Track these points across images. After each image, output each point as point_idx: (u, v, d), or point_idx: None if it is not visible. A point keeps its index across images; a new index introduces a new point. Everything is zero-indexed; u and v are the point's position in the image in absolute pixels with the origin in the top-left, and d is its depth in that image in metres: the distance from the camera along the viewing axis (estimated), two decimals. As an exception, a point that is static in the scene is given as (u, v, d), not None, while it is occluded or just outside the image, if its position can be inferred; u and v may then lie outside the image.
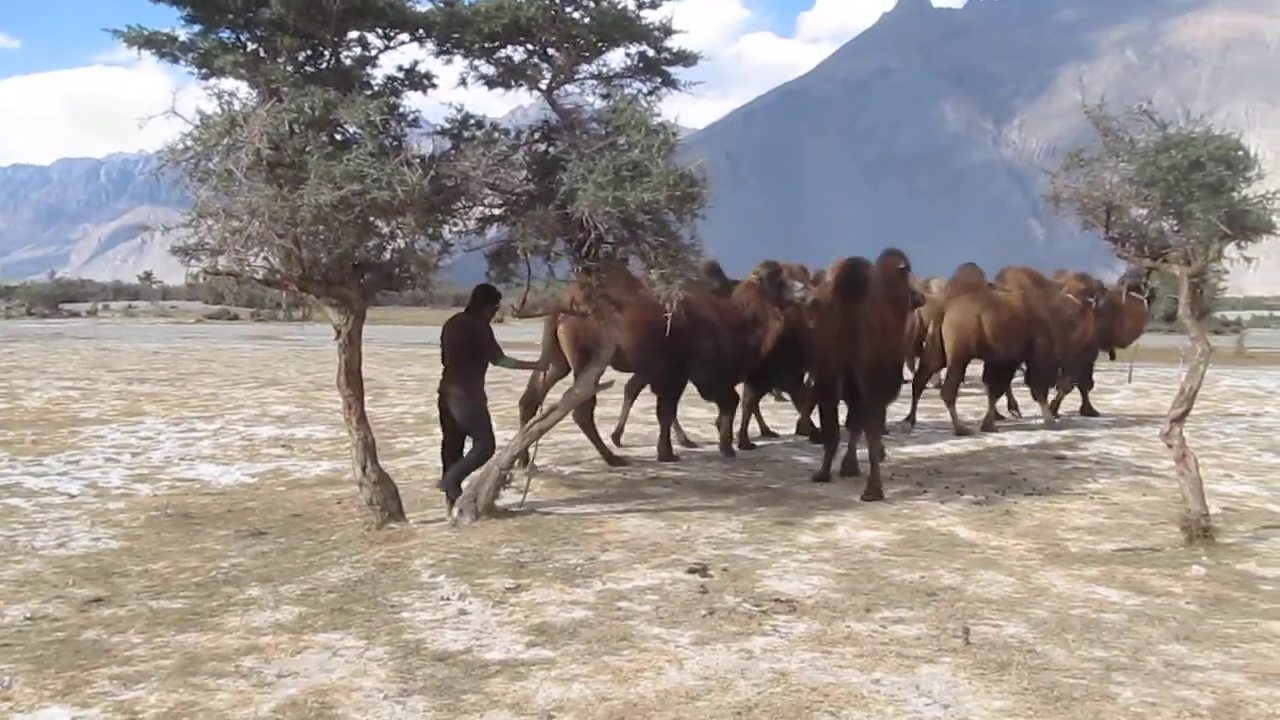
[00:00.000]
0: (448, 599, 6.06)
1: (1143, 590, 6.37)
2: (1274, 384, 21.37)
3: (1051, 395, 15.01)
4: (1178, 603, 6.14)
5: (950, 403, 13.75)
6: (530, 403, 10.65)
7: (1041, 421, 14.32)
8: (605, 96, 7.79)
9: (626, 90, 7.88)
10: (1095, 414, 15.71)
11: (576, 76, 7.95)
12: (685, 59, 7.88)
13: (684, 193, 6.99)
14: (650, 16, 7.66)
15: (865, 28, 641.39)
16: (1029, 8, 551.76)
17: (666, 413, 11.44)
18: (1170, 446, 7.43)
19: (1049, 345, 14.14)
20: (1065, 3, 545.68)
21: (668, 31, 7.68)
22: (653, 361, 10.87)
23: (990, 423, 13.99)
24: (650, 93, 7.90)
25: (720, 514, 8.41)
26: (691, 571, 6.63)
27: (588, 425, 10.90)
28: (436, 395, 8.84)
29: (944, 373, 14.50)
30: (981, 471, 10.63)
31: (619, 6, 7.54)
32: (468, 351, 8.48)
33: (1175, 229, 7.00)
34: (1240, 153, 6.61)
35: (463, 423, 8.45)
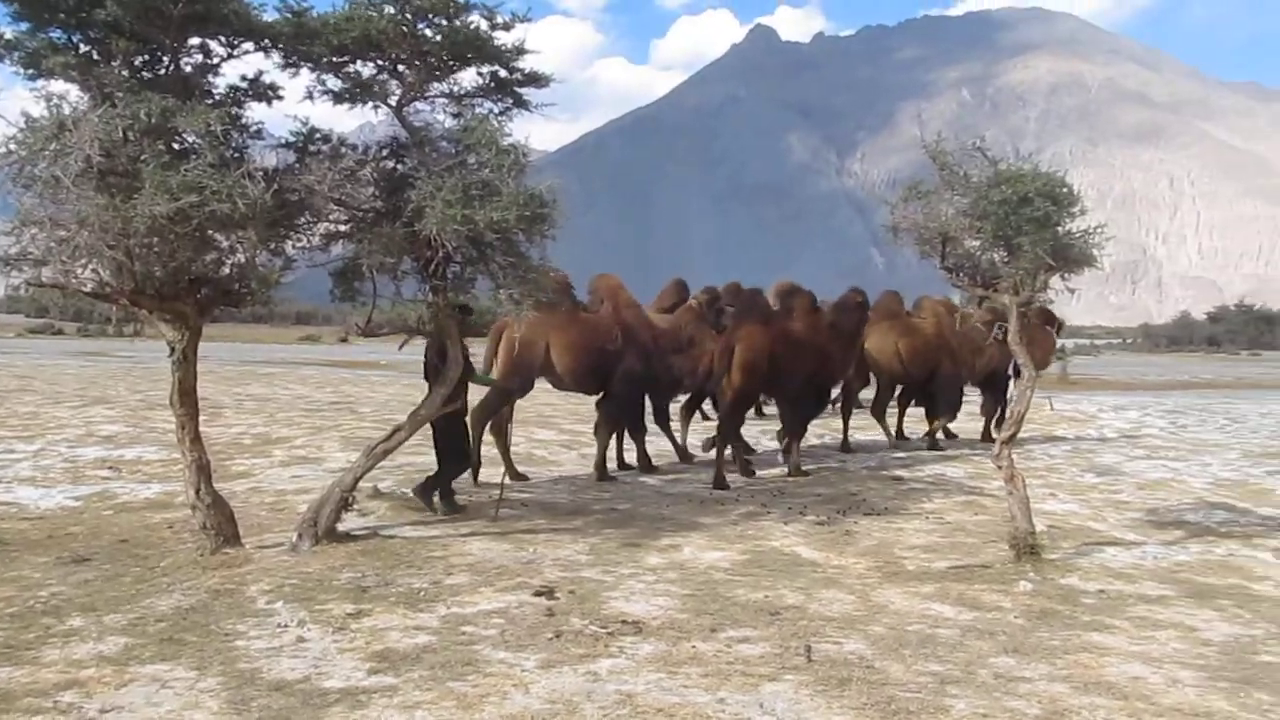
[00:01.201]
0: (285, 626, 5.86)
1: (975, 606, 6.62)
2: (1094, 408, 22.52)
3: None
4: (1007, 617, 6.40)
5: (880, 419, 15.14)
6: (496, 424, 11.30)
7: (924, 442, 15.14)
8: (456, 115, 7.72)
9: (478, 109, 7.83)
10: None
11: (427, 94, 7.86)
12: (537, 80, 7.87)
13: (534, 213, 6.97)
14: (503, 37, 7.63)
15: (715, 57, 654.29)
16: (871, 46, 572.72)
17: (604, 433, 11.83)
18: (1000, 468, 7.76)
19: (955, 370, 15.09)
20: (905, 42, 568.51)
21: (520, 52, 7.66)
22: (589, 382, 11.48)
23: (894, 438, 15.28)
24: (502, 113, 7.86)
25: (567, 536, 8.39)
26: (538, 594, 6.59)
27: (499, 436, 11.33)
28: None
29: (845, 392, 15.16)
30: (823, 493, 10.89)
31: (472, 26, 7.49)
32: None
33: (1005, 260, 7.34)
34: (1065, 189, 6.99)
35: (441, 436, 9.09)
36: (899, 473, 12.56)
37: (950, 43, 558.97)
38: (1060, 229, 6.98)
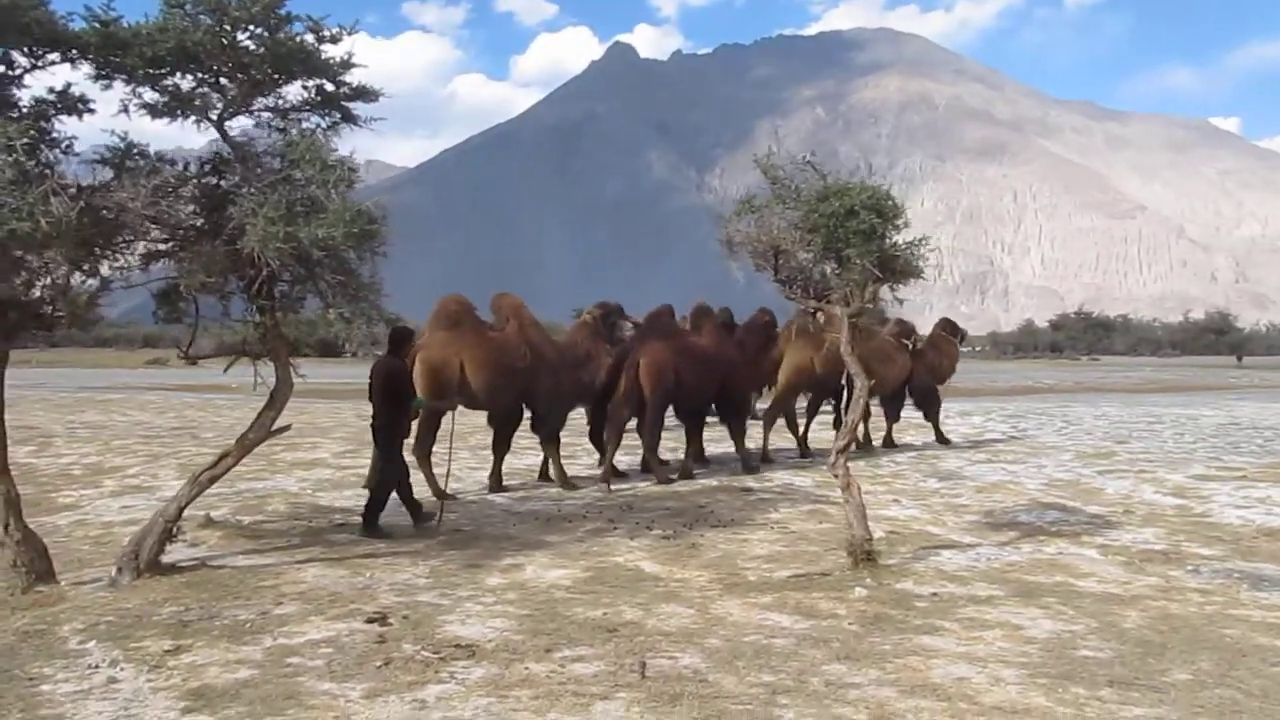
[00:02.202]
0: (96, 666, 5.55)
1: (811, 614, 6.69)
2: (941, 414, 23.19)
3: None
4: (841, 624, 6.48)
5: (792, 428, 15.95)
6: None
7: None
8: (281, 130, 7.47)
9: (305, 124, 7.60)
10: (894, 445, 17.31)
11: (251, 108, 7.59)
12: (366, 95, 7.69)
13: (362, 230, 6.78)
14: (330, 50, 7.44)
15: (575, 74, 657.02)
16: (728, 64, 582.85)
17: (552, 449, 12.49)
18: (836, 476, 7.88)
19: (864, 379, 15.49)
20: (761, 61, 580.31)
21: (347, 66, 7.47)
22: (501, 398, 11.76)
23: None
24: (329, 127, 7.65)
25: (406, 559, 8.20)
26: (370, 621, 6.41)
27: (422, 461, 11.38)
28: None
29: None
30: (672, 506, 10.92)
31: (296, 39, 7.27)
32: (383, 393, 9.25)
33: (836, 272, 7.48)
34: (890, 202, 7.16)
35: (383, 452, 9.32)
36: (749, 484, 12.70)
37: (804, 62, 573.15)
38: (886, 241, 7.14)
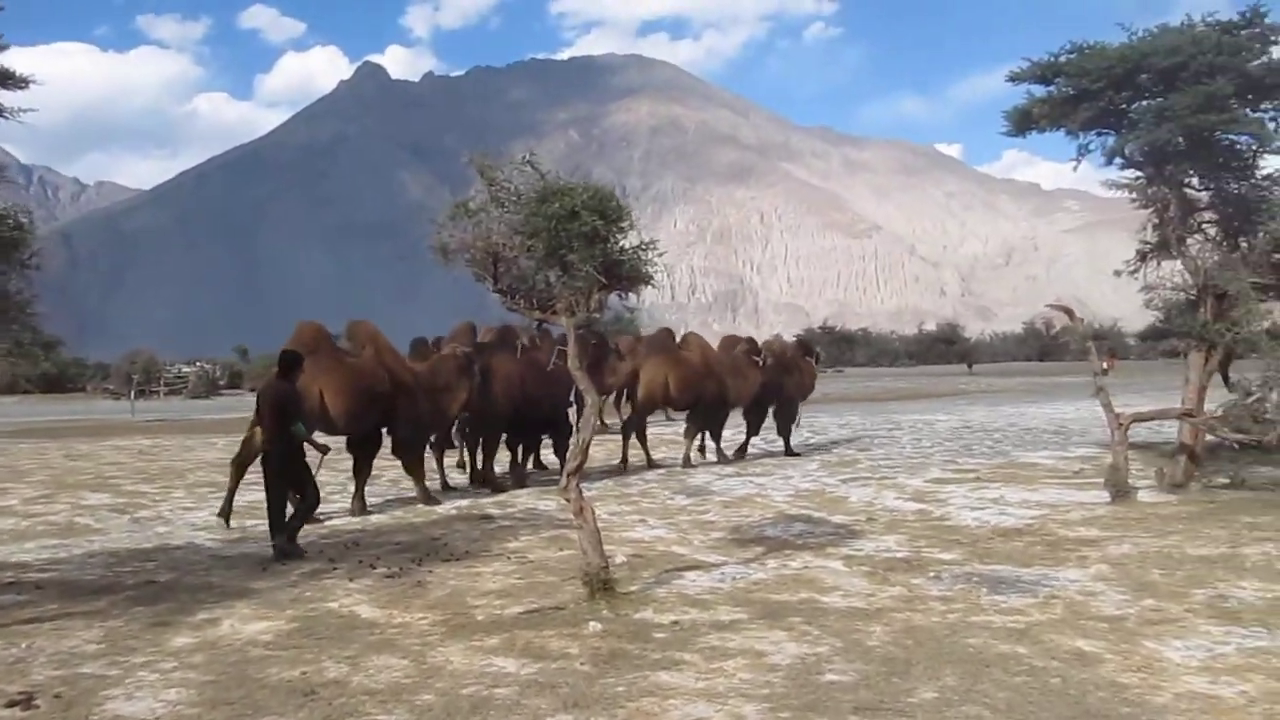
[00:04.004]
0: None
1: (540, 655, 6.05)
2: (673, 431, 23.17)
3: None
4: (573, 665, 5.88)
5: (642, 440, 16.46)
6: (242, 464, 11.34)
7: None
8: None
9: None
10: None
11: None
12: (10, 80, 6.59)
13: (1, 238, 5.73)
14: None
15: (323, 94, 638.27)
16: (481, 86, 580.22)
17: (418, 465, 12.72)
18: (568, 500, 7.28)
19: (721, 393, 16.61)
20: (514, 84, 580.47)
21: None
22: (361, 424, 11.86)
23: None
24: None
25: (80, 621, 7.05)
26: (11, 705, 5.32)
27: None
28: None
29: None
30: (404, 540, 10.09)
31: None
32: (275, 418, 9.32)
33: (560, 279, 6.90)
34: (614, 204, 6.64)
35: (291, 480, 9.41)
36: (490, 510, 12.00)
37: (558, 85, 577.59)
38: (610, 245, 6.62)
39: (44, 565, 9.19)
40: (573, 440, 7.47)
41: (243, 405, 43.82)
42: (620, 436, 16.87)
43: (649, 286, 7.01)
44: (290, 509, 9.57)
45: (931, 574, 8.19)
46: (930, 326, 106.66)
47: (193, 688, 5.57)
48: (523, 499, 12.97)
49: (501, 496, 13.24)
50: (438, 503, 12.56)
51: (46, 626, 6.93)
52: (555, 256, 6.64)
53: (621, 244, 6.69)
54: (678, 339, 17.68)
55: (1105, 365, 55.40)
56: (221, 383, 62.92)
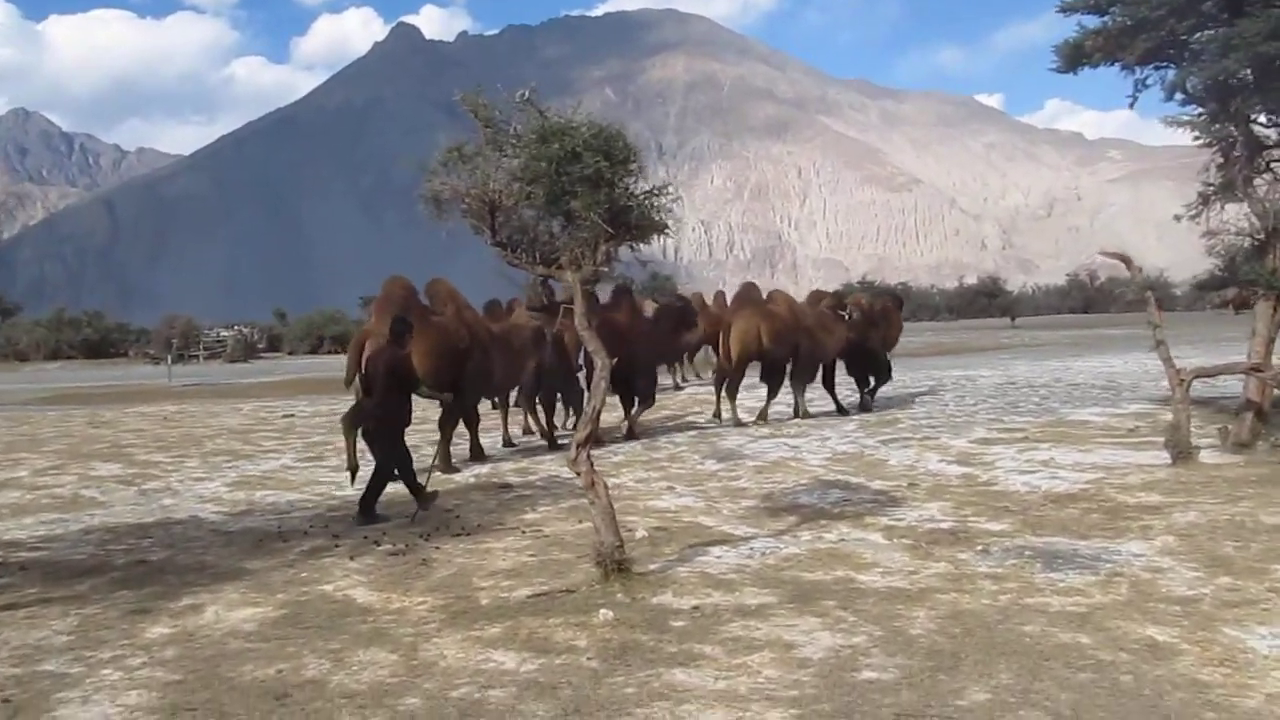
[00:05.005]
0: None
1: (544, 649, 5.44)
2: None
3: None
4: (579, 660, 5.26)
5: (732, 398, 16.25)
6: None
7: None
8: None
9: None
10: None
11: None
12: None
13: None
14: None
15: (358, 56, 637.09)
16: (515, 45, 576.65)
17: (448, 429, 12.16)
18: (578, 474, 6.64)
19: (813, 348, 16.67)
20: (548, 41, 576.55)
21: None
22: (443, 381, 11.49)
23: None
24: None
25: (58, 608, 6.54)
26: (-48, 710, 4.80)
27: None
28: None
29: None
30: (414, 512, 9.51)
31: None
32: (386, 383, 9.24)
33: (565, 229, 6.23)
34: (621, 143, 5.93)
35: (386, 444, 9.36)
36: (510, 479, 11.43)
37: (592, 42, 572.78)
38: (616, 190, 5.92)
39: (36, 543, 8.71)
40: (584, 407, 6.81)
41: (279, 368, 43.64)
42: (713, 391, 17.29)
43: (672, 236, 6.30)
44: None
45: (979, 547, 7.50)
46: (971, 280, 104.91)
47: (156, 689, 5.01)
48: (545, 465, 12.39)
49: (524, 463, 12.67)
50: (456, 470, 12.08)
51: (20, 615, 6.42)
52: (558, 204, 5.96)
53: (630, 188, 5.99)
54: (728, 297, 18.22)
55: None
56: (260, 346, 62.98)
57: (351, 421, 10.58)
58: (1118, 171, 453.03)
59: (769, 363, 16.64)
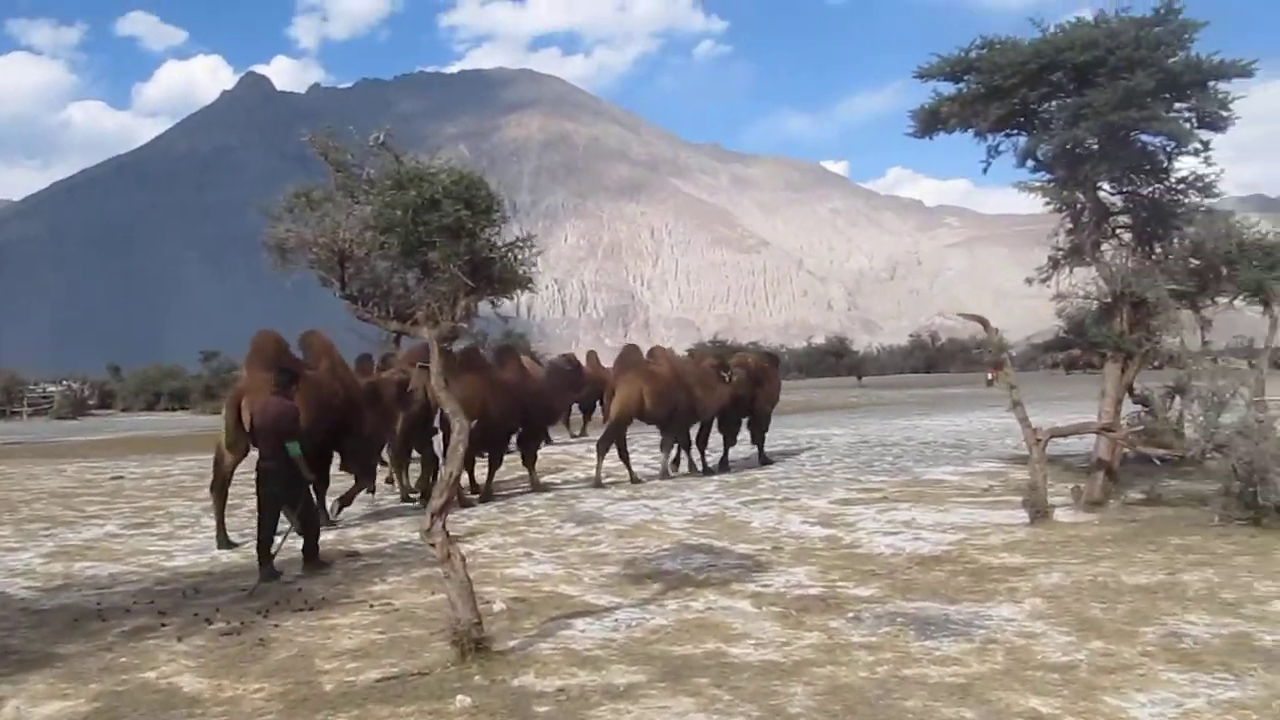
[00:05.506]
0: None
1: (395, 742, 4.94)
2: (583, 449, 22.13)
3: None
4: (434, 755, 4.78)
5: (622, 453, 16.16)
6: (221, 488, 11.02)
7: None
8: None
9: None
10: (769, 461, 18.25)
11: None
12: None
13: None
14: None
15: (205, 104, 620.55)
16: (369, 99, 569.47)
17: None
18: (433, 545, 6.16)
19: (692, 406, 16.64)
20: (403, 96, 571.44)
21: None
22: (316, 436, 11.05)
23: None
24: None
25: None
26: None
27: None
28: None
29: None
30: (250, 585, 8.81)
31: None
32: (276, 436, 9.11)
33: (421, 282, 5.80)
34: (483, 192, 5.56)
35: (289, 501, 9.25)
36: (359, 546, 10.78)
37: (447, 99, 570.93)
38: (477, 240, 5.53)
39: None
40: (440, 473, 6.35)
41: (111, 425, 41.33)
42: (594, 452, 16.78)
43: (532, 292, 5.94)
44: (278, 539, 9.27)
45: (851, 614, 7.29)
46: (818, 340, 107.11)
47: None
48: (396, 530, 11.76)
49: (372, 528, 12.01)
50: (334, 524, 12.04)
51: None
52: (414, 255, 5.54)
53: (492, 239, 5.62)
54: (586, 357, 19.27)
55: (991, 376, 55.96)
56: (91, 402, 59.68)
57: (218, 487, 10.95)
58: (955, 237, 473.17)
59: (653, 422, 16.80)
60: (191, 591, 8.62)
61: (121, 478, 18.69)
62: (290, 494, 9.23)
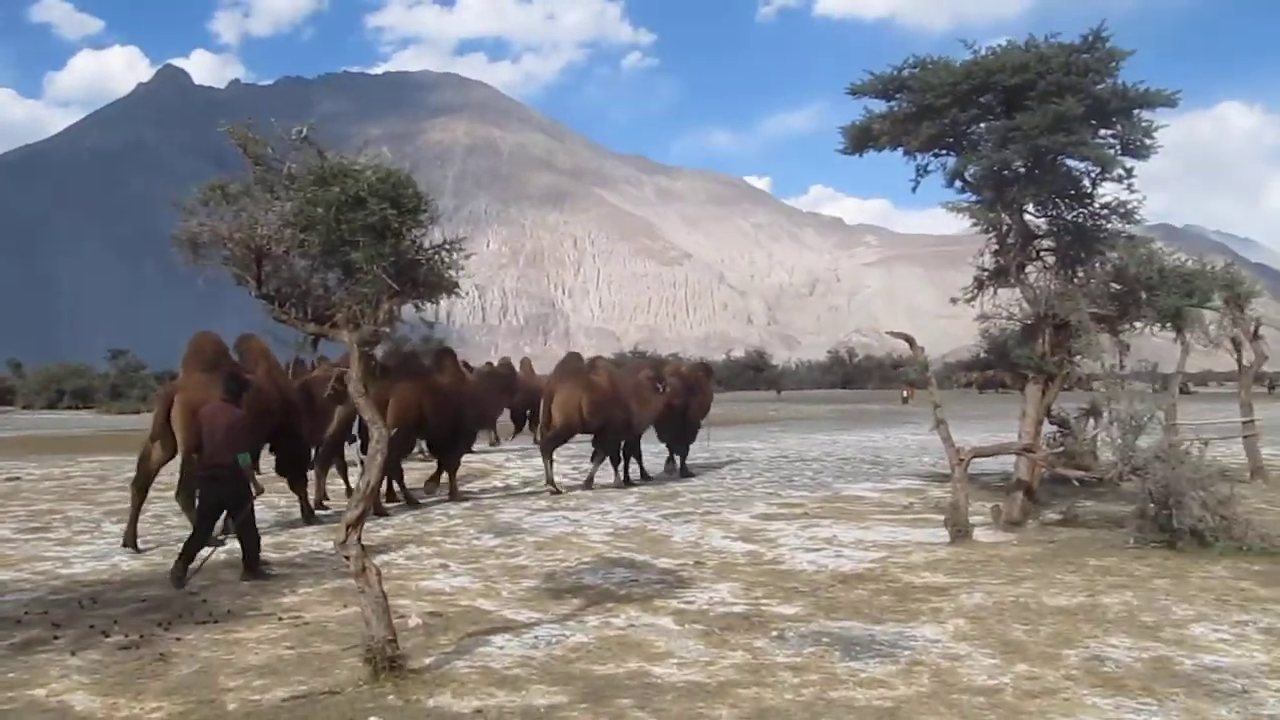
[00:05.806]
0: None
1: (302, 767, 4.68)
2: (502, 457, 21.88)
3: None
4: (344, 781, 4.53)
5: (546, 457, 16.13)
6: (143, 486, 10.94)
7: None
8: None
9: None
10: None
11: None
12: None
13: None
14: None
15: (119, 96, 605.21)
16: (290, 97, 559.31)
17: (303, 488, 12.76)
18: (348, 559, 5.90)
19: (627, 418, 16.56)
20: (325, 96, 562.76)
21: None
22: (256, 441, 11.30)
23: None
24: None
25: None
26: None
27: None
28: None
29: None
30: (155, 595, 8.43)
31: None
32: (228, 443, 8.99)
33: (342, 283, 5.55)
34: (410, 191, 5.34)
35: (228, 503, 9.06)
36: (268, 555, 10.40)
37: (371, 100, 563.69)
38: (404, 241, 5.31)
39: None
40: (358, 483, 6.09)
41: (9, 424, 39.84)
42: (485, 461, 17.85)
43: (455, 297, 5.73)
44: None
45: (775, 633, 7.17)
46: (738, 353, 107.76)
47: None
48: (307, 539, 11.40)
49: (283, 537, 11.63)
50: (319, 522, 12.46)
51: None
52: (335, 254, 5.30)
53: (419, 241, 5.40)
54: (520, 364, 19.44)
55: (906, 394, 56.55)
56: (-11, 400, 57.67)
57: (140, 485, 10.86)
58: (873, 255, 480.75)
59: (586, 433, 16.76)
60: (89, 601, 8.19)
61: (18, 479, 17.90)
62: (236, 503, 9.05)
